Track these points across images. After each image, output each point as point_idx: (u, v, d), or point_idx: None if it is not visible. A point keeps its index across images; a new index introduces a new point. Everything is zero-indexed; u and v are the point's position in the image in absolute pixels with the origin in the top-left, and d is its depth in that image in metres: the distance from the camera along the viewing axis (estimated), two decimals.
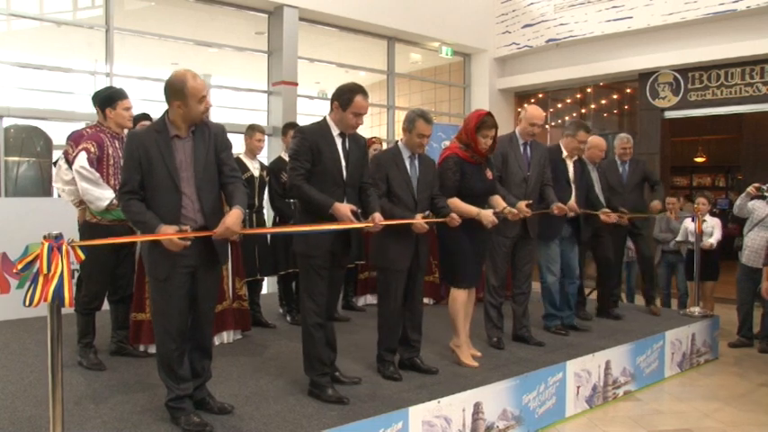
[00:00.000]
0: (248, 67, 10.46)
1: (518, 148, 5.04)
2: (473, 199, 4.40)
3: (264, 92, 9.49)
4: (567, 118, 11.73)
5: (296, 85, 9.26)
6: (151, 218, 3.09)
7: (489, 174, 4.56)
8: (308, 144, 3.64)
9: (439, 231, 4.55)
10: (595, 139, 6.10)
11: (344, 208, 3.58)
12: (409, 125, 4.13)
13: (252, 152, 5.62)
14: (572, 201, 5.47)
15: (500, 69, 12.02)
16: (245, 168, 5.44)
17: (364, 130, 12.26)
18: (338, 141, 3.72)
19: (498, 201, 4.66)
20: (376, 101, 11.97)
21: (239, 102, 9.91)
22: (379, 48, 11.03)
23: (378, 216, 3.76)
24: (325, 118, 3.79)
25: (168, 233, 3.01)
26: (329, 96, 3.81)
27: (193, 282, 3.27)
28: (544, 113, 5.38)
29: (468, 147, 4.44)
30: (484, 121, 4.40)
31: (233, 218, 3.11)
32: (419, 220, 4.00)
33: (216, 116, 9.86)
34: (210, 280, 3.36)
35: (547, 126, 11.87)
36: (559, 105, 12.12)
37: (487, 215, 4.34)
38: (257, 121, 8.89)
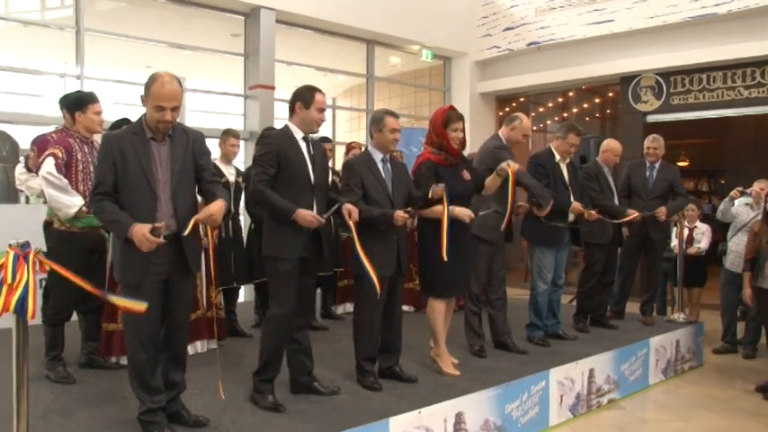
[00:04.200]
0: (224, 71, 10.42)
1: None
2: (451, 201, 4.32)
3: (241, 96, 9.44)
4: (549, 122, 11.84)
5: (273, 88, 9.22)
6: (124, 217, 3.07)
7: (467, 174, 4.54)
8: (274, 148, 3.68)
9: (419, 238, 4.55)
10: (611, 143, 6.14)
11: (308, 214, 3.59)
12: (378, 124, 4.17)
13: (227, 157, 5.59)
14: (575, 203, 5.51)
15: (481, 73, 12.07)
16: (220, 174, 5.35)
17: (342, 135, 12.45)
18: (302, 145, 3.77)
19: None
20: (355, 105, 11.96)
21: (215, 106, 9.87)
22: (358, 51, 11.03)
23: (349, 206, 3.79)
24: (286, 125, 3.84)
25: (142, 231, 3.00)
26: None
27: (166, 290, 3.25)
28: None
29: (440, 149, 4.44)
30: (449, 116, 4.42)
31: (217, 206, 3.15)
32: (399, 212, 4.00)
33: (191, 120, 9.90)
34: (184, 288, 3.34)
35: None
36: (541, 109, 12.19)
37: (462, 210, 4.28)
38: (234, 125, 8.74)
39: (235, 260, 5.58)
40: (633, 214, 5.97)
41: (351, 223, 3.80)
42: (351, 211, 3.80)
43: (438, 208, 4.24)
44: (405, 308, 6.51)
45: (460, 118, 4.45)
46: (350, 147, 6.50)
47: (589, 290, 6.15)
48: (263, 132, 3.86)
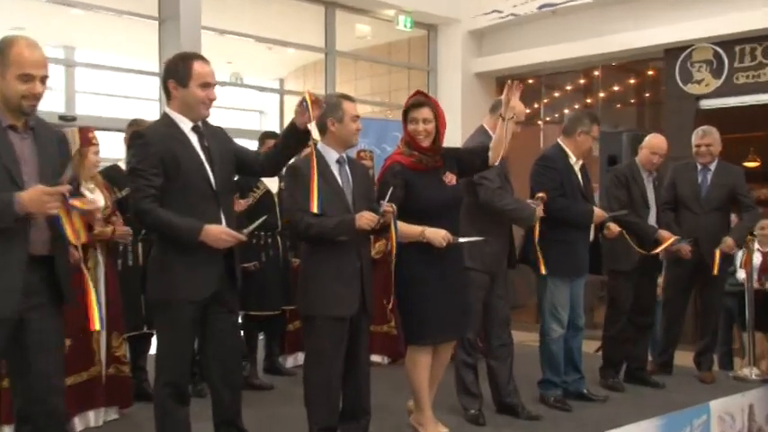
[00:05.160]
0: (131, 40, 10.39)
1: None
2: (430, 216, 4.37)
3: (154, 74, 9.37)
4: (566, 111, 11.72)
5: None
6: None
7: (450, 178, 4.55)
8: (156, 150, 3.65)
9: (396, 265, 4.48)
10: (653, 139, 6.15)
11: (220, 231, 3.62)
12: (336, 112, 4.20)
13: None
14: (598, 210, 5.58)
15: (476, 46, 12.08)
16: (124, 179, 5.25)
17: None
18: (193, 139, 3.78)
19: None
20: (309, 88, 11.80)
21: (118, 86, 9.77)
22: (313, 17, 11.02)
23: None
24: (165, 113, 3.84)
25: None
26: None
27: (20, 329, 3.21)
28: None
29: (411, 147, 4.49)
30: (410, 103, 4.48)
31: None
32: (365, 213, 4.04)
33: (82, 106, 9.77)
34: (48, 325, 3.31)
35: (540, 122, 12.00)
36: (557, 94, 12.17)
37: (435, 232, 4.28)
38: (145, 113, 8.53)
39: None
40: (667, 240, 5.94)
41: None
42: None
43: (408, 229, 4.28)
44: (376, 358, 6.69)
45: (423, 104, 4.47)
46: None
47: (618, 333, 6.13)
48: (134, 132, 3.85)
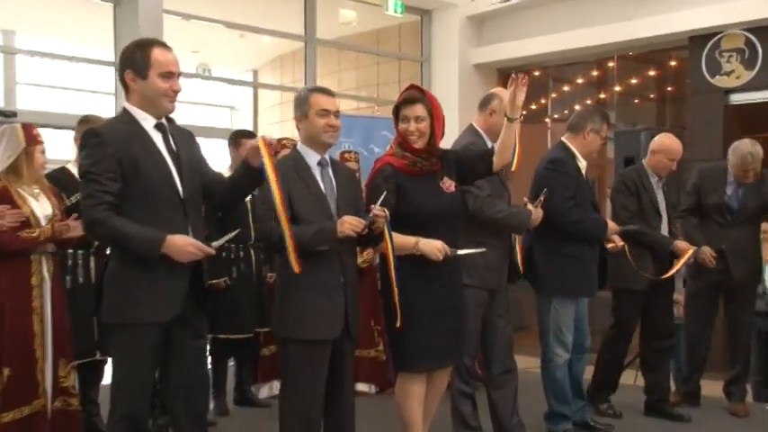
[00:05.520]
0: (81, 24, 10.35)
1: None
2: (425, 226, 4.35)
3: (109, 64, 9.29)
4: (577, 107, 11.22)
5: None
6: None
7: (448, 184, 4.54)
8: (112, 152, 3.63)
9: (382, 284, 4.54)
10: (666, 140, 6.15)
11: (185, 243, 3.61)
12: (301, 107, 4.21)
13: None
14: (611, 222, 5.64)
15: (476, 34, 12.01)
16: (74, 183, 5.24)
17: (270, 127, 12.25)
18: (157, 139, 3.77)
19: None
20: (288, 81, 11.95)
21: (66, 78, 9.72)
22: (291, 1, 11.02)
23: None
24: (124, 109, 3.83)
25: None
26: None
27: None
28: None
29: (403, 148, 4.48)
30: (402, 98, 4.48)
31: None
32: (347, 217, 4.00)
33: (24, 99, 9.68)
34: None
35: (547, 120, 11.98)
36: (566, 88, 12.13)
37: (430, 244, 4.27)
38: (99, 109, 8.17)
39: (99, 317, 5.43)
40: (685, 253, 5.91)
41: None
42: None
43: (400, 240, 4.24)
44: (362, 387, 6.72)
45: (416, 100, 4.44)
46: (279, 145, 6.28)
47: (614, 359, 6.21)
48: (87, 130, 3.79)
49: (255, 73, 13.39)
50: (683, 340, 6.61)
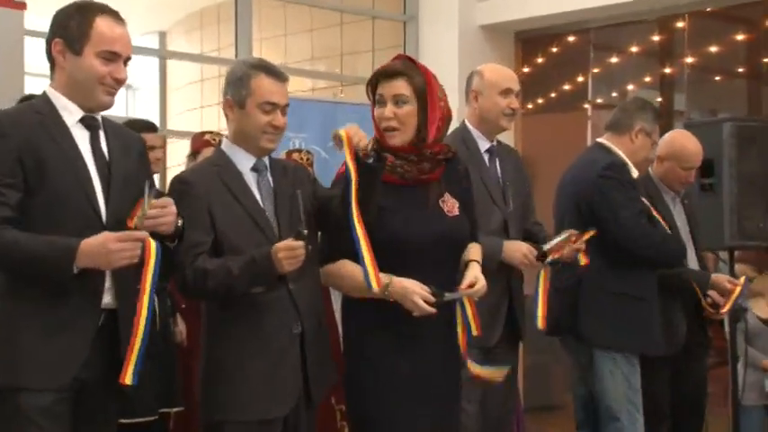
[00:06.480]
0: None
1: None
2: (403, 260, 3.77)
3: None
4: (630, 87, 10.53)
5: (23, 8, 8.22)
6: None
7: (450, 205, 4.02)
8: (11, 148, 3.36)
9: (344, 334, 4.17)
10: (680, 140, 5.70)
11: (103, 240, 3.25)
12: (238, 90, 3.77)
13: None
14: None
15: None
16: None
17: (183, 117, 11.65)
18: (80, 136, 3.46)
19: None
20: (207, 49, 11.50)
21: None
22: None
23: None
24: (44, 93, 3.55)
25: None
26: None
27: None
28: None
29: (380, 144, 4.03)
30: (378, 72, 4.06)
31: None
32: (283, 243, 3.55)
33: None
34: None
35: (586, 105, 10.81)
36: (614, 59, 10.84)
37: (405, 288, 3.72)
38: None
39: None
40: (732, 291, 5.48)
41: None
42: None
43: (357, 274, 3.81)
44: None
45: (398, 73, 3.99)
46: (201, 142, 6.08)
47: None
48: None
49: (162, 36, 12.64)
50: None
